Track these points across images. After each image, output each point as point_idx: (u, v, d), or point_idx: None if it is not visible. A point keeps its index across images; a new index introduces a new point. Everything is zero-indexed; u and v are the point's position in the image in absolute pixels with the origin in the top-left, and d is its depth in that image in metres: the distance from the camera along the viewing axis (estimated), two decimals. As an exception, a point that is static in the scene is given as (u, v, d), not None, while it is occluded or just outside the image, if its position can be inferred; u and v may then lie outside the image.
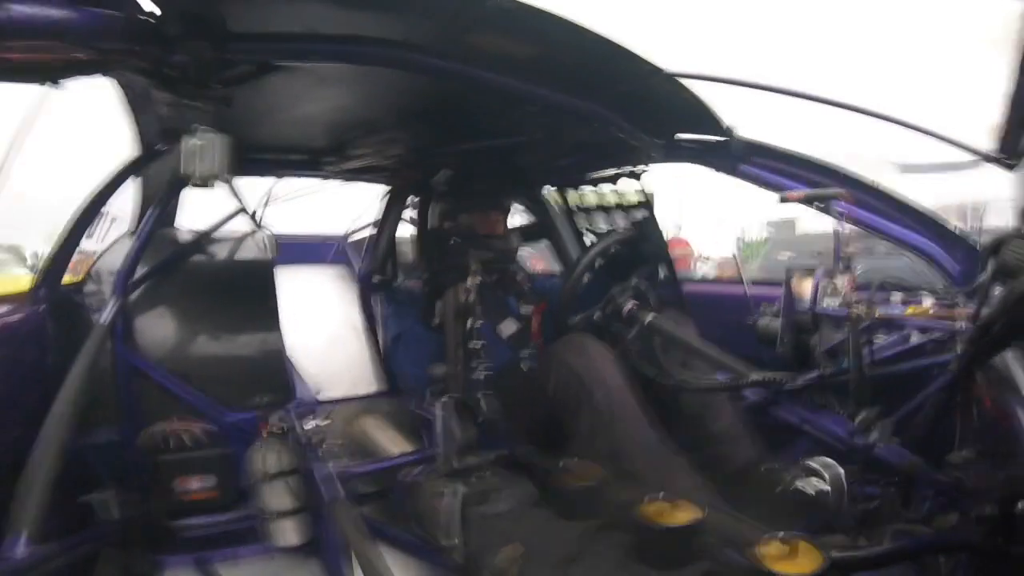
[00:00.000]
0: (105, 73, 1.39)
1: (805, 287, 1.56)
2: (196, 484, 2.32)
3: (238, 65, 1.43)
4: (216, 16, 1.25)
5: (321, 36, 1.39)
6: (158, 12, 1.18)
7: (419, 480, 1.90)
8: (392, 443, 2.34)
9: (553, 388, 1.75)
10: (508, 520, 1.55)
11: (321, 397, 2.61)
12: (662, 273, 2.24)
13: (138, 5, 1.16)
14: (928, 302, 1.60)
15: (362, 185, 2.97)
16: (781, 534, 1.21)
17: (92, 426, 2.22)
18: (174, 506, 2.30)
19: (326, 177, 2.80)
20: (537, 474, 1.71)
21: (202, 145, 1.52)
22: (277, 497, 2.15)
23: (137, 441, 2.27)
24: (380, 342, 2.67)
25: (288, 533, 2.18)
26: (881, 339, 1.55)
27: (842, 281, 1.58)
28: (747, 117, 1.89)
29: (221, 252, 2.74)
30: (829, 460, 1.52)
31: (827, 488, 1.48)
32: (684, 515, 1.33)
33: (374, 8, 1.33)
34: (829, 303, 1.56)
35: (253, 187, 2.90)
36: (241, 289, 2.63)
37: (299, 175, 2.82)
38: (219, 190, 2.66)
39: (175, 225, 2.81)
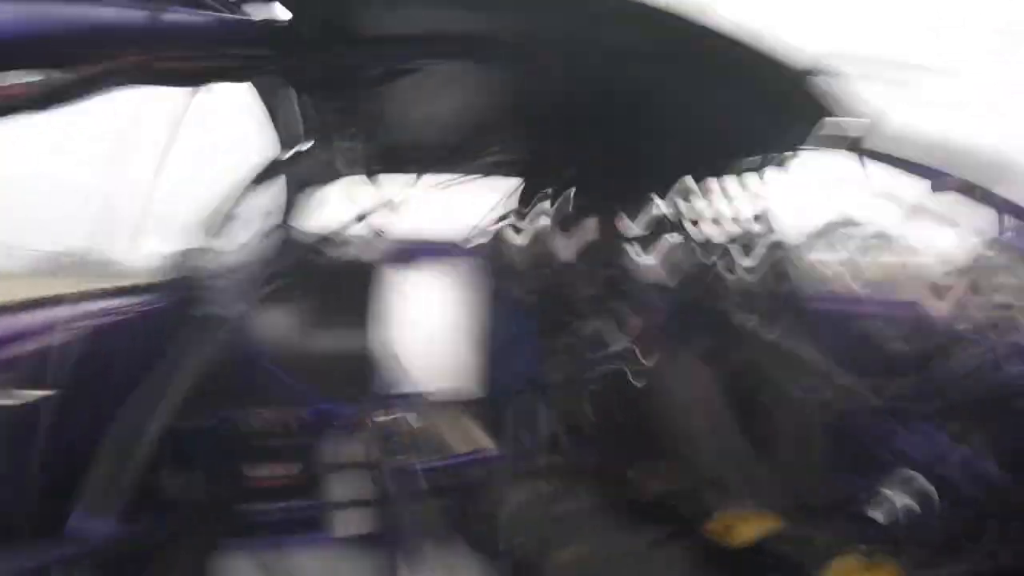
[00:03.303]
0: (246, 78, 1.46)
1: (932, 302, 1.44)
2: (275, 471, 2.43)
3: (371, 68, 1.48)
4: (351, 21, 1.30)
5: (451, 36, 1.41)
6: (290, 17, 1.23)
7: (490, 480, 1.92)
8: (472, 442, 2.37)
9: (648, 402, 1.71)
10: (570, 524, 1.54)
11: (413, 393, 2.68)
12: (783, 286, 2.10)
13: (276, 14, 1.22)
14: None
15: (480, 189, 3.03)
16: (862, 547, 1.20)
17: (192, 412, 2.39)
18: (248, 492, 2.42)
19: (461, 172, 2.86)
20: (612, 480, 1.68)
21: (341, 146, 1.60)
22: (350, 488, 2.23)
23: (234, 427, 2.42)
24: (483, 344, 2.69)
25: (353, 524, 2.26)
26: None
27: (969, 299, 1.45)
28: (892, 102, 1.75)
29: (337, 252, 2.90)
30: (918, 475, 1.46)
31: (914, 505, 1.41)
32: (760, 527, 1.29)
33: (503, 7, 1.34)
34: (956, 321, 1.44)
35: (374, 188, 3.05)
36: (353, 288, 2.76)
37: (426, 172, 2.89)
38: (340, 193, 2.84)
39: (297, 226, 3.00)
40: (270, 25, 1.21)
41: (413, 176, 2.92)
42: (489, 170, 2.80)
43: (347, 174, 2.26)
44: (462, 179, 2.98)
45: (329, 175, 2.43)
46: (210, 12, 1.03)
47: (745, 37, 1.37)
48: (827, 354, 1.77)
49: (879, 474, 1.74)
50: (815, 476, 1.69)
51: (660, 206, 2.82)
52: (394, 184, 3.01)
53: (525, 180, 2.68)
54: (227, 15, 1.08)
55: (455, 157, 2.66)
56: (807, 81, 1.55)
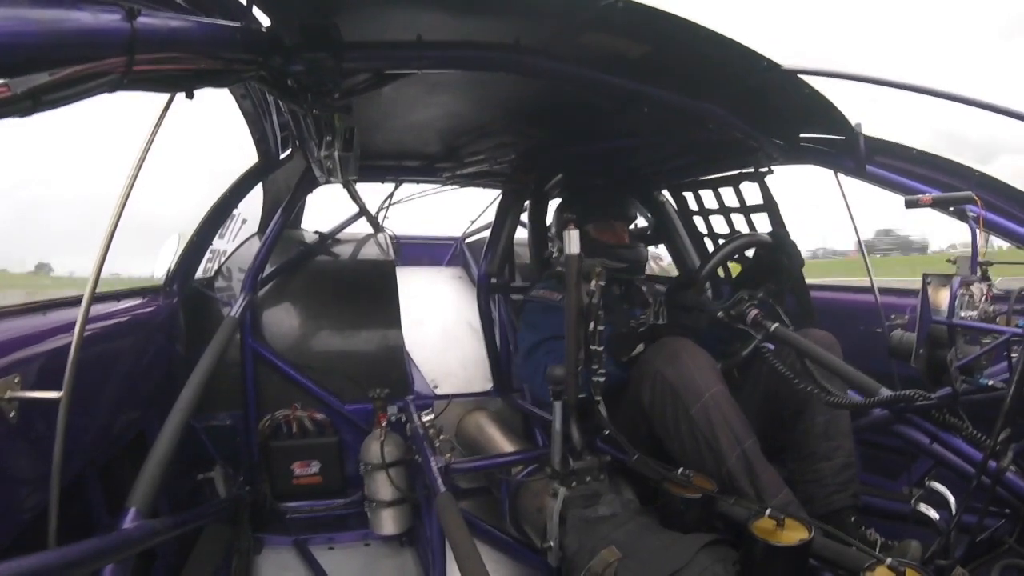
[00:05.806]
0: (226, 84, 1.47)
1: (941, 296, 1.41)
2: (305, 470, 2.47)
3: (355, 74, 1.47)
4: (332, 26, 1.29)
5: (434, 43, 1.41)
6: (270, 22, 1.24)
7: (524, 480, 1.91)
8: (502, 441, 2.37)
9: (649, 399, 1.69)
10: (608, 526, 1.52)
11: (436, 392, 2.70)
12: (791, 281, 2.06)
13: (255, 18, 1.22)
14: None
15: (478, 189, 3.05)
16: (889, 561, 1.16)
17: (214, 411, 2.41)
18: (281, 489, 2.45)
19: (442, 182, 2.89)
20: (645, 482, 1.66)
21: (325, 153, 1.60)
22: (383, 486, 2.25)
23: (257, 426, 2.45)
24: (497, 343, 2.66)
25: (388, 522, 2.29)
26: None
27: (979, 291, 1.43)
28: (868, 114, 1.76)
29: (344, 252, 2.92)
30: (941, 487, 1.44)
31: (936, 516, 1.41)
32: (792, 535, 1.27)
33: (485, 12, 1.34)
34: (966, 314, 1.41)
35: (373, 191, 3.08)
36: (363, 287, 2.79)
37: (416, 180, 2.93)
38: (342, 194, 2.85)
39: (301, 226, 3.01)
40: (250, 30, 1.21)
41: (393, 184, 2.95)
42: (468, 180, 2.82)
43: (327, 182, 2.26)
44: (443, 189, 3.00)
45: (311, 182, 2.44)
46: (189, 16, 1.03)
47: (727, 43, 1.38)
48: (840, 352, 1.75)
49: (909, 477, 1.74)
50: (847, 479, 1.68)
51: (658, 204, 2.85)
52: (378, 191, 3.05)
53: (508, 186, 2.67)
54: (206, 19, 1.08)
55: (434, 166, 2.67)
56: (787, 90, 1.56)
